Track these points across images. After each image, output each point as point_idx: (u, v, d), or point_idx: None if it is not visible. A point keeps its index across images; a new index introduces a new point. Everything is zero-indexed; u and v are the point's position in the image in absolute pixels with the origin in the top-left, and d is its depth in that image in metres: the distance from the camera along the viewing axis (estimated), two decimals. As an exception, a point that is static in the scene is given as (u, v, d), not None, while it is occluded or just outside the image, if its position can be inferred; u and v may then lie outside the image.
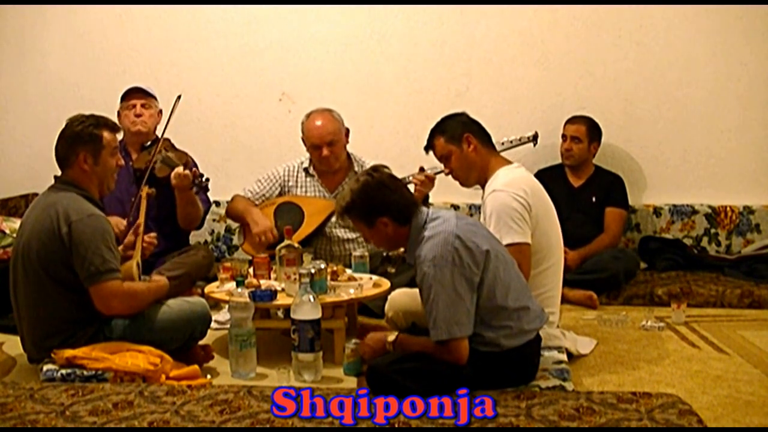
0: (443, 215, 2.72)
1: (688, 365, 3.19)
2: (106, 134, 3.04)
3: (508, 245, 2.90)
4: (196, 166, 4.06)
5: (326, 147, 3.98)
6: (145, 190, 3.64)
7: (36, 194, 4.83)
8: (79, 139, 3.00)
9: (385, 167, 2.83)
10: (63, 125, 3.07)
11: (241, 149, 5.00)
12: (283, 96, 4.97)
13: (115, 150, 3.09)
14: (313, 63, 4.91)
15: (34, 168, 4.99)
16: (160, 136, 3.95)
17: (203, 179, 3.88)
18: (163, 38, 4.98)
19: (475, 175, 3.23)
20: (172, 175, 3.79)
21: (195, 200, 3.94)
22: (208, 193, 4.05)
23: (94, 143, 3.01)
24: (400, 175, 3.18)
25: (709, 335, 3.60)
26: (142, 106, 4.03)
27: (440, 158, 3.26)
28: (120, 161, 3.13)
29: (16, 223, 4.05)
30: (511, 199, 3.03)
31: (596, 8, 4.70)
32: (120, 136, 3.18)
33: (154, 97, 4.12)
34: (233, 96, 4.98)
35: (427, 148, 3.28)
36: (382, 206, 2.70)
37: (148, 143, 4.01)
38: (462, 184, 3.30)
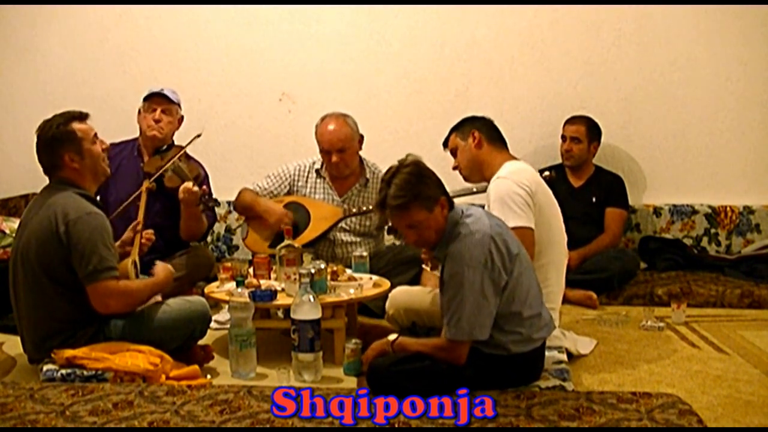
0: (475, 212, 2.70)
1: (688, 365, 3.19)
2: (76, 126, 3.01)
3: (511, 229, 2.86)
4: (208, 179, 4.05)
5: (336, 153, 3.96)
6: (145, 185, 3.61)
7: (36, 194, 4.83)
8: (56, 141, 2.98)
9: (413, 154, 2.77)
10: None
11: (241, 149, 4.99)
12: (283, 96, 4.97)
13: (93, 137, 3.05)
14: (313, 63, 4.91)
15: (34, 168, 4.87)
16: (175, 145, 3.93)
17: (211, 198, 3.83)
18: (163, 38, 4.98)
19: (477, 172, 3.26)
20: (180, 189, 3.73)
21: (200, 216, 3.88)
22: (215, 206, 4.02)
23: (71, 140, 2.99)
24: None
25: (709, 335, 3.60)
26: (163, 111, 3.95)
27: (451, 152, 3.32)
28: (105, 144, 3.10)
29: (15, 223, 4.04)
30: (515, 185, 3.05)
31: (596, 8, 4.70)
32: (90, 121, 3.09)
33: (178, 104, 4.04)
34: (233, 96, 4.98)
35: (444, 144, 3.34)
36: (439, 185, 2.66)
37: (163, 148, 3.97)
38: (465, 179, 3.33)
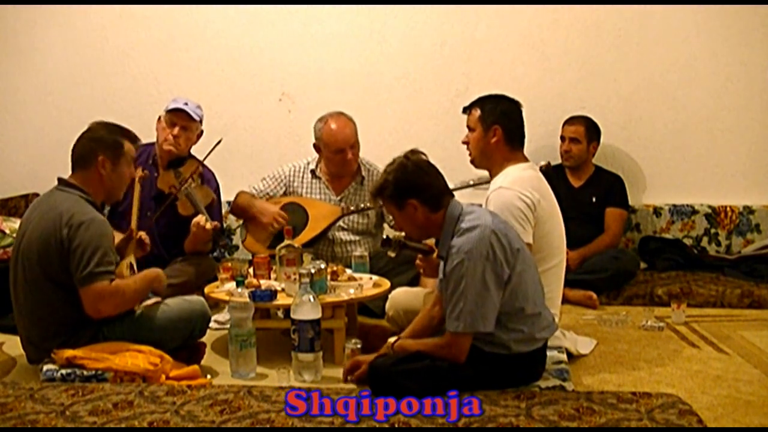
0: (477, 210, 2.73)
1: (688, 365, 3.19)
2: (127, 144, 3.07)
3: None
4: (218, 191, 4.03)
5: (350, 150, 3.98)
6: (138, 173, 3.55)
7: (36, 194, 4.83)
8: (103, 143, 3.02)
9: (422, 153, 2.80)
10: (84, 127, 3.09)
11: (241, 149, 4.99)
12: (283, 96, 4.97)
13: (132, 161, 3.11)
14: (313, 63, 4.91)
15: (34, 168, 4.99)
16: (190, 157, 3.97)
17: (221, 235, 3.82)
18: (163, 38, 4.98)
19: (484, 162, 3.23)
20: (193, 223, 3.72)
21: (208, 243, 3.90)
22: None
23: (116, 149, 3.03)
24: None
25: (709, 335, 3.60)
26: (182, 128, 3.92)
27: (467, 126, 3.26)
28: (134, 173, 3.15)
29: (16, 223, 4.05)
30: (516, 197, 3.03)
31: (596, 8, 4.70)
32: (137, 149, 3.18)
33: (200, 120, 4.00)
34: (233, 96, 4.98)
35: (464, 110, 3.29)
36: (413, 188, 2.69)
37: (178, 161, 3.95)
38: (471, 161, 3.29)
